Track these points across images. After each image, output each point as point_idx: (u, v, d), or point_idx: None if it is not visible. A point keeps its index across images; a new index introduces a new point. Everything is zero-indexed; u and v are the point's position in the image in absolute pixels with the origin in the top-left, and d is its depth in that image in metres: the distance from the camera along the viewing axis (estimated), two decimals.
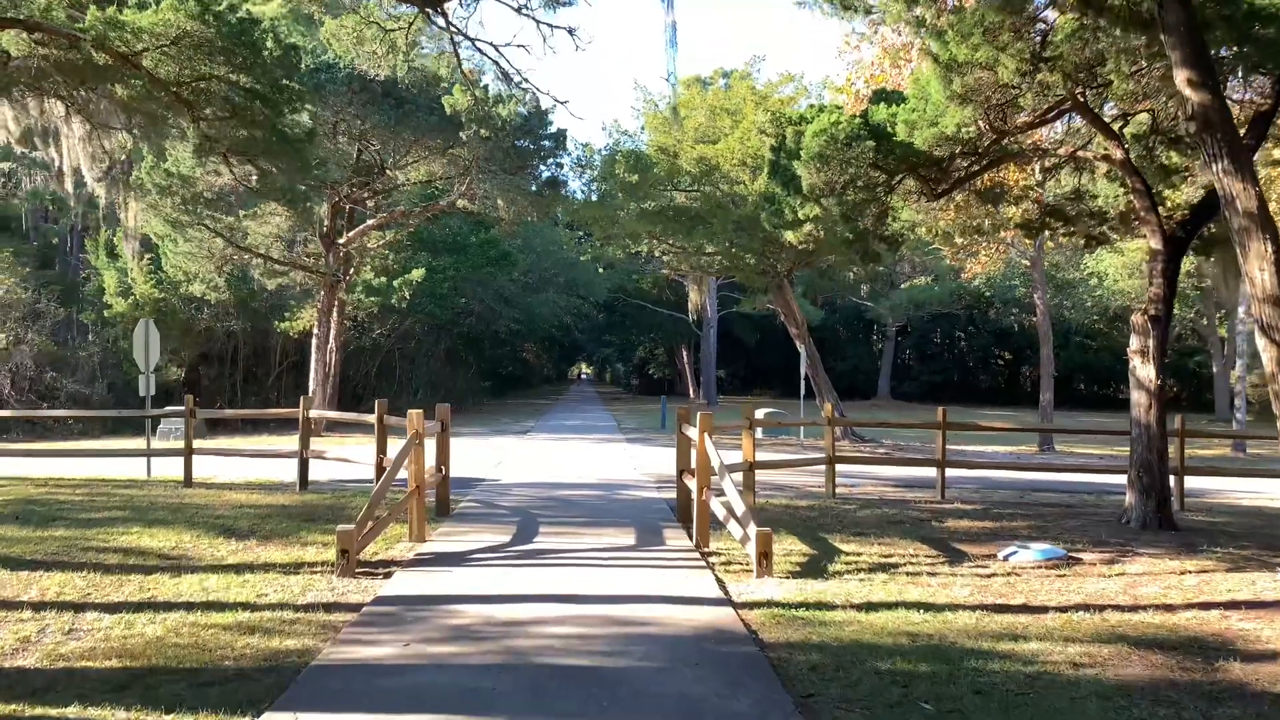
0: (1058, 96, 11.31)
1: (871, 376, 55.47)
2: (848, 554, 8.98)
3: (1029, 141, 13.41)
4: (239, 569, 7.85)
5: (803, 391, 22.13)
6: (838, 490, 13.37)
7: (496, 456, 18.26)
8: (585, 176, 23.25)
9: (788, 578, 7.74)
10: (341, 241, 23.24)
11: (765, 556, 7.66)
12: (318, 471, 14.37)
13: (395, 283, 25.07)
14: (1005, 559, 8.93)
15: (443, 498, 10.72)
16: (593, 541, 9.18)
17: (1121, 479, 15.16)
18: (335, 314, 23.97)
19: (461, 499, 12.09)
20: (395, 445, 9.93)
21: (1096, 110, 11.72)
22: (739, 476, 9.37)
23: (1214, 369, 41.85)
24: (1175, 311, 38.75)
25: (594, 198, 24.20)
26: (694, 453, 9.59)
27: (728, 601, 6.92)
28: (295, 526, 9.93)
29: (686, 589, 7.22)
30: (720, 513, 8.83)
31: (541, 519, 10.56)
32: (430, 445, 10.83)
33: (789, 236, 12.93)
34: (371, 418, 12.06)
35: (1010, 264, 37.43)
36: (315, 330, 23.39)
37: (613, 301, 51.96)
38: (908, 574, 8.06)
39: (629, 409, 40.79)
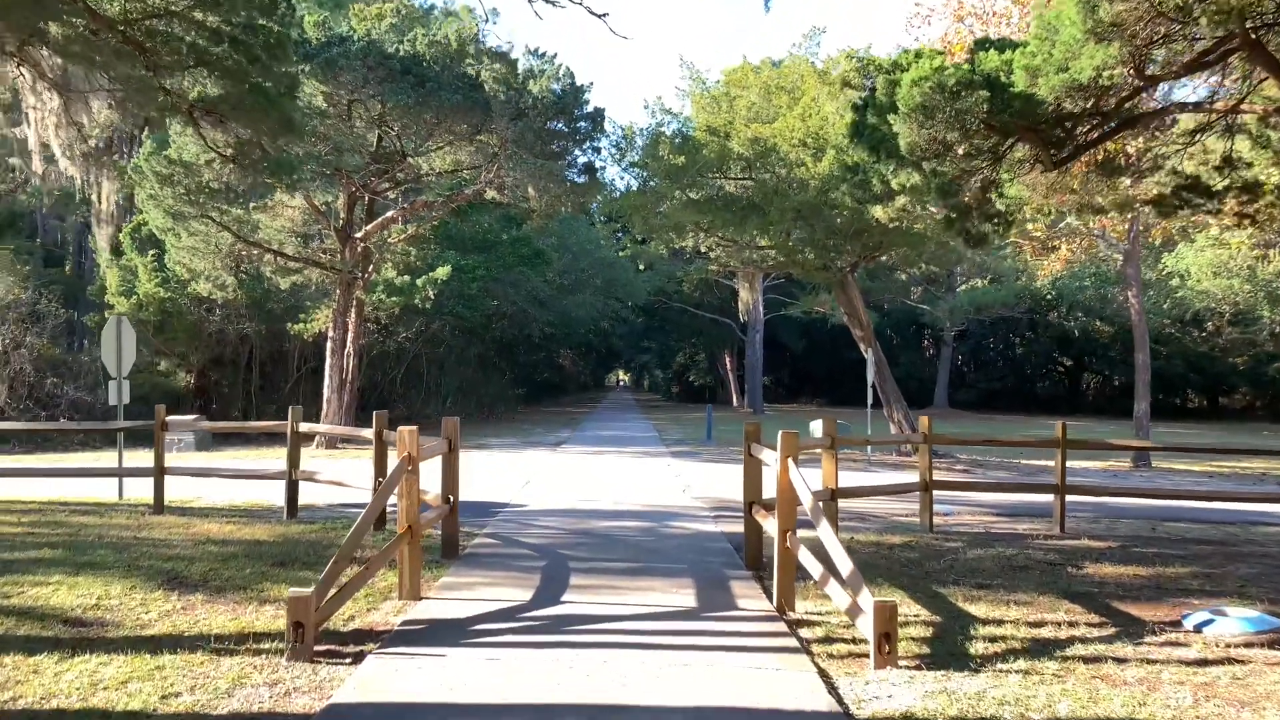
0: (1222, 32, 8.93)
1: (926, 384, 52.62)
2: (982, 620, 6.67)
3: (1175, 95, 11.02)
4: (159, 644, 5.72)
5: (869, 401, 19.74)
6: (934, 521, 11.01)
7: (525, 474, 16.09)
8: (625, 162, 21.07)
9: (918, 667, 5.46)
10: (359, 236, 21.25)
11: (888, 639, 5.38)
12: (313, 495, 12.29)
13: (419, 281, 23.04)
14: (1198, 630, 6.56)
15: (449, 535, 8.54)
16: (639, 601, 6.93)
17: (1272, 509, 12.71)
18: (354, 315, 21.98)
19: (476, 533, 9.91)
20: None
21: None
22: (818, 507, 7.09)
23: None
24: (1265, 313, 35.92)
25: (634, 186, 22.01)
26: (768, 481, 7.36)
27: (846, 717, 4.66)
28: (261, 572, 7.80)
29: (781, 692, 4.96)
30: (810, 563, 6.56)
31: (573, 563, 8.34)
32: (435, 468, 8.68)
33: (877, 213, 10.65)
34: (368, 432, 9.96)
35: (1089, 262, 34.66)
36: (331, 332, 21.41)
37: (652, 304, 49.75)
38: (1083, 659, 5.72)
39: (671, 418, 38.51)
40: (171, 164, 19.34)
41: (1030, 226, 22.78)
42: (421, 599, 6.90)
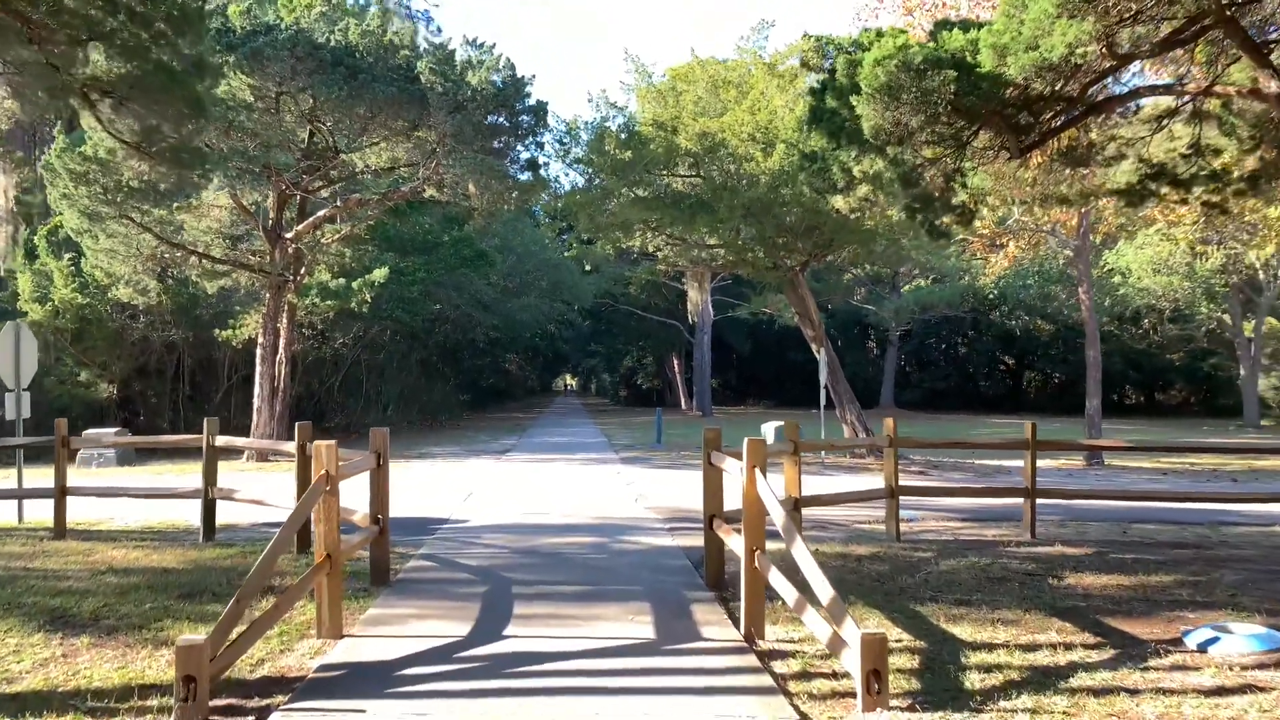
0: (1196, 8, 8.50)
1: (871, 384, 52.56)
2: (971, 644, 6.05)
3: (1148, 76, 10.62)
4: (24, 704, 4.82)
5: (823, 402, 19.22)
6: (900, 528, 10.42)
7: (468, 485, 15.23)
8: (569, 158, 20.28)
9: (912, 708, 4.80)
10: (289, 236, 20.19)
11: (877, 677, 4.70)
12: (236, 514, 11.32)
13: (355, 284, 22.00)
14: (1203, 649, 6.01)
15: (379, 559, 7.70)
16: (592, 632, 6.18)
17: (1236, 507, 12.37)
18: (285, 319, 20.89)
19: (412, 554, 9.07)
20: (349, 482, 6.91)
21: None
22: (790, 524, 6.41)
23: (1241, 371, 39.17)
24: (1204, 309, 36.30)
25: (579, 184, 21.25)
26: (729, 492, 6.68)
27: None
28: (163, 608, 6.89)
29: None
30: (782, 586, 5.88)
31: (518, 587, 7.56)
32: (361, 485, 7.85)
33: (837, 203, 10.05)
34: (291, 446, 9.08)
35: (1034, 260, 34.68)
36: (260, 338, 20.30)
37: (599, 307, 48.99)
38: (1091, 691, 5.11)
39: (619, 422, 37.78)
40: (86, 160, 18.18)
41: (986, 218, 22.52)
42: (344, 636, 6.08)
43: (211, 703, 4.72)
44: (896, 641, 6.14)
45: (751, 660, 5.59)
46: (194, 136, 9.74)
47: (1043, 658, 5.79)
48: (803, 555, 5.44)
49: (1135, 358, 51.43)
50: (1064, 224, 21.13)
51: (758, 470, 6.15)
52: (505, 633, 6.16)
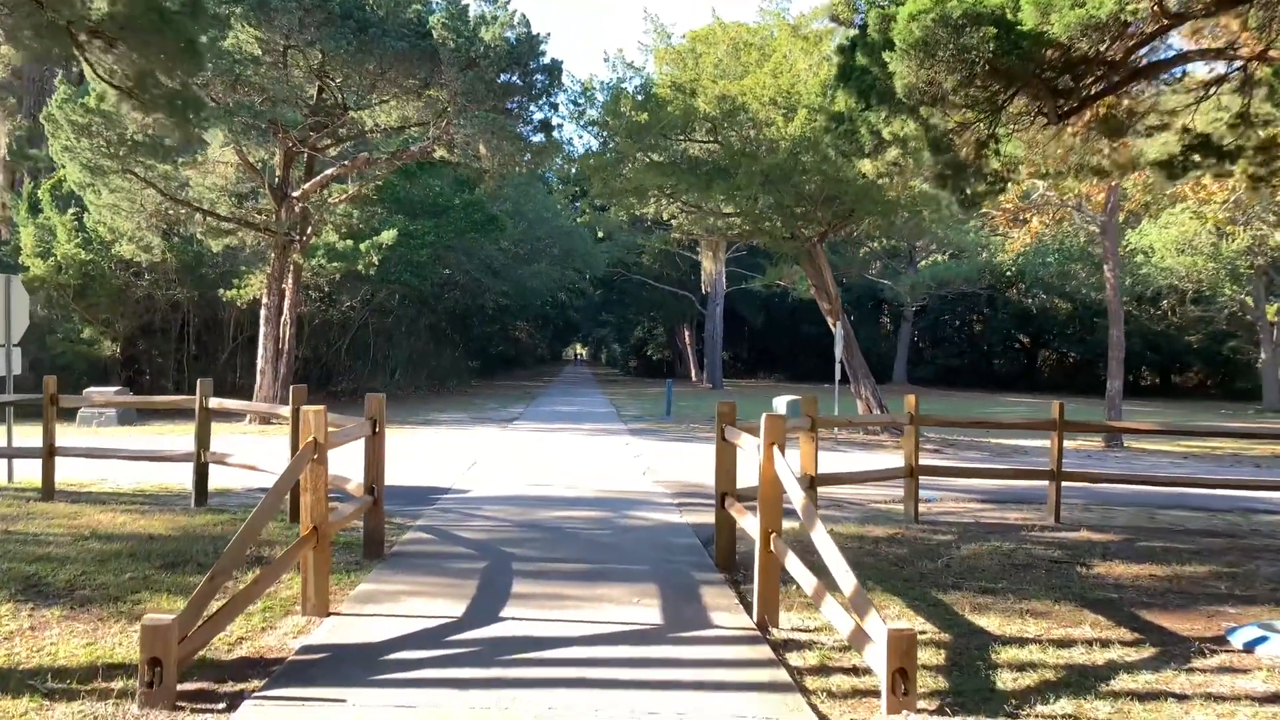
0: None
1: (884, 360, 52.01)
2: (1000, 638, 5.64)
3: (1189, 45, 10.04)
4: None
5: (837, 377, 18.77)
6: (919, 509, 9.99)
7: (472, 454, 14.88)
8: (583, 120, 19.69)
9: (941, 711, 4.40)
10: (296, 195, 19.73)
11: (904, 676, 4.30)
12: (231, 478, 10.98)
13: (363, 246, 21.59)
14: (1249, 649, 5.60)
15: (373, 531, 7.33)
16: (594, 616, 5.80)
17: (1266, 495, 11.87)
18: (291, 280, 20.48)
19: (409, 524, 8.70)
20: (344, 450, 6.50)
21: None
22: (811, 507, 5.99)
23: (1262, 355, 38.45)
24: (1228, 292, 35.60)
25: (593, 147, 20.68)
26: (743, 469, 6.27)
27: None
28: (143, 577, 6.54)
29: None
30: (799, 572, 5.47)
31: (518, 564, 7.18)
32: (355, 453, 7.48)
33: (865, 167, 9.55)
34: (286, 410, 8.70)
35: (1055, 236, 33.96)
36: (265, 299, 19.91)
37: (611, 276, 48.48)
38: (1135, 696, 4.70)
39: (629, 393, 37.39)
40: (89, 112, 17.76)
41: (1018, 187, 21.93)
42: (330, 614, 5.71)
43: (181, 686, 4.36)
44: (920, 634, 5.74)
45: (765, 651, 5.20)
46: (190, 83, 9.27)
47: (1078, 655, 5.38)
48: (823, 540, 5.02)
49: (1153, 339, 50.76)
50: (1091, 199, 20.51)
51: (776, 448, 5.73)
52: (502, 614, 5.78)
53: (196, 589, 4.64)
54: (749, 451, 6.36)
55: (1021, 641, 5.61)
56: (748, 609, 6.04)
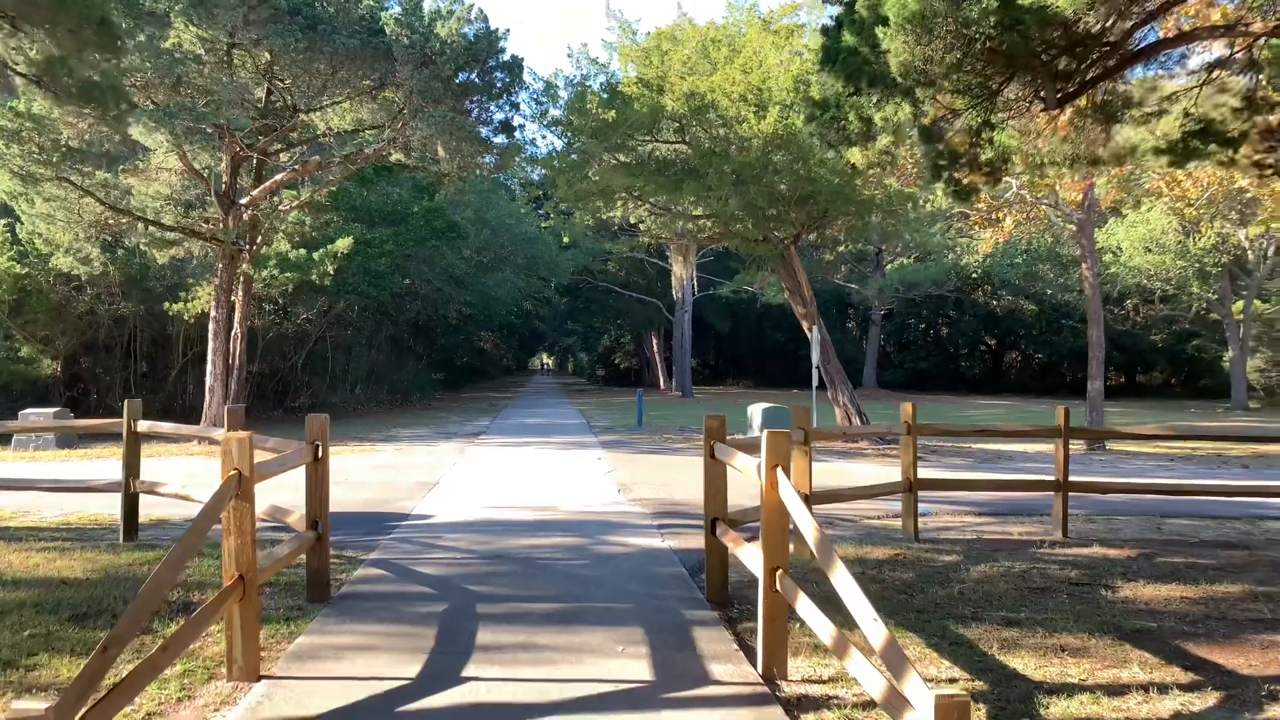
0: None
1: (853, 365, 51.49)
2: (1043, 686, 4.90)
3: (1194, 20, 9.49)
4: None
5: (814, 383, 18.08)
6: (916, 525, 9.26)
7: (435, 472, 13.98)
8: (546, 120, 18.86)
9: None
10: (244, 202, 18.71)
11: None
12: (168, 507, 10.00)
13: (316, 255, 20.58)
14: None
15: (317, 571, 6.45)
16: (573, 672, 4.98)
17: (1270, 501, 11.25)
18: (240, 292, 19.45)
19: (361, 558, 7.82)
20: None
21: None
22: (827, 542, 5.21)
23: (1230, 353, 38.44)
24: (1195, 290, 35.52)
25: (557, 149, 19.84)
26: (735, 490, 5.49)
27: None
28: (45, 634, 5.63)
29: None
30: (812, 615, 4.69)
31: (483, 604, 6.33)
32: (292, 481, 6.61)
33: (854, 156, 8.85)
34: (219, 434, 7.77)
35: (1024, 236, 33.64)
36: (213, 312, 18.84)
37: (576, 284, 47.64)
38: None
39: (597, 403, 36.55)
40: (19, 116, 16.68)
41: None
42: (261, 678, 4.84)
43: None
44: (949, 680, 4.99)
45: (777, 713, 4.41)
46: (110, 71, 8.35)
47: (1136, 705, 4.65)
48: (846, 583, 4.24)
49: (1117, 338, 50.82)
50: (1068, 197, 20.06)
51: (780, 471, 4.96)
52: (464, 673, 4.94)
53: (85, 664, 3.76)
54: (745, 472, 5.59)
55: (1068, 689, 4.87)
56: (749, 655, 5.25)
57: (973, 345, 57.84)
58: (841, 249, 43.23)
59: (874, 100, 8.15)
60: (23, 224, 18.77)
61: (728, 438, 6.39)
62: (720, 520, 6.49)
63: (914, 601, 6.74)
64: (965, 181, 9.10)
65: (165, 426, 8.91)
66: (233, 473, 4.88)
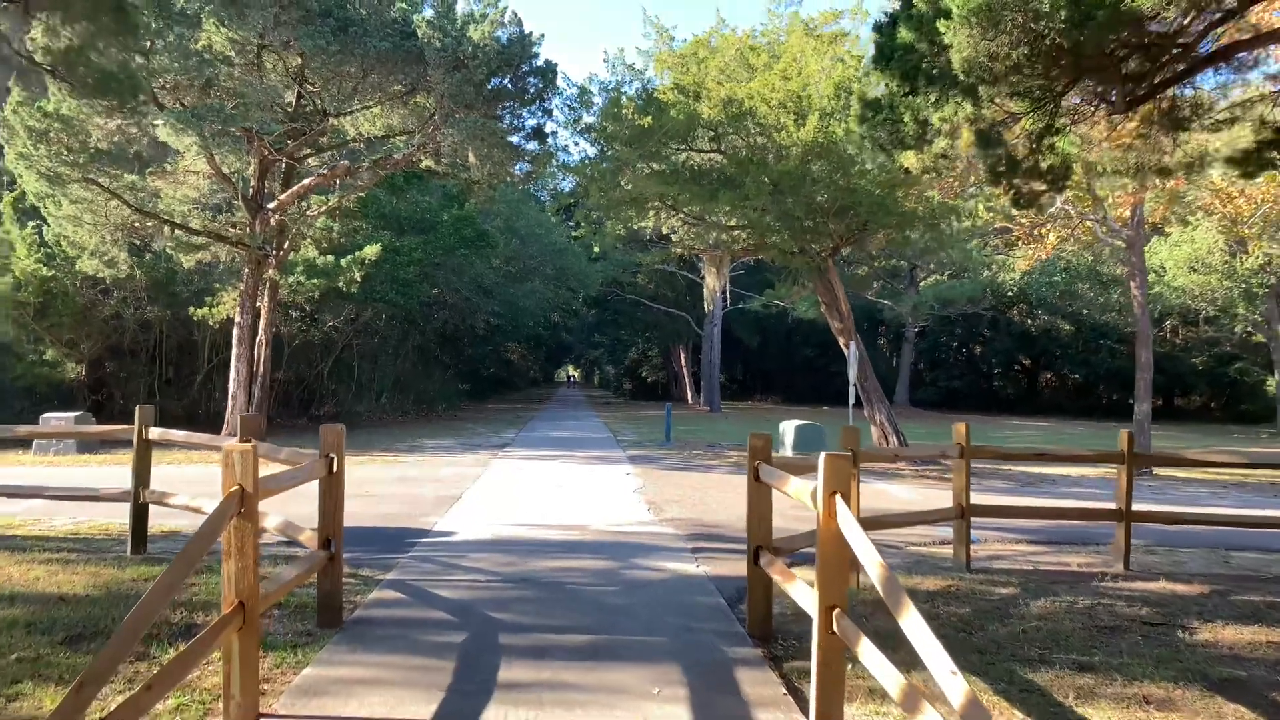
0: None
1: (886, 382, 50.60)
2: None
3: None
4: None
5: (851, 401, 17.50)
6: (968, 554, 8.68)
7: (458, 485, 13.53)
8: (579, 126, 18.46)
9: None
10: (271, 207, 18.45)
11: None
12: (185, 518, 9.61)
13: (344, 262, 20.30)
14: None
15: (329, 594, 6.00)
16: (605, 718, 4.48)
17: None
18: (266, 298, 19.18)
19: (378, 578, 7.36)
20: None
21: None
22: (894, 580, 4.67)
23: (1275, 377, 37.31)
24: (1240, 311, 34.52)
25: (589, 154, 19.44)
26: (781, 514, 4.97)
27: None
28: (34, 658, 5.21)
29: None
30: (875, 662, 4.16)
31: (506, 636, 5.85)
32: (312, 490, 6.17)
33: (908, 160, 8.34)
34: (231, 443, 7.37)
35: (1063, 254, 32.80)
36: (238, 318, 18.57)
37: (605, 296, 47.23)
38: None
39: (624, 417, 36.06)
40: (47, 117, 16.54)
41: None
42: (261, 716, 4.38)
43: None
44: None
45: None
46: (128, 61, 8.02)
47: None
48: (918, 629, 3.71)
49: (1157, 360, 49.42)
50: (1116, 213, 19.40)
51: (839, 499, 4.44)
52: (484, 716, 4.45)
53: (58, 704, 3.32)
54: (796, 497, 5.08)
55: None
56: (799, 701, 4.74)
57: (1007, 365, 56.82)
58: (875, 264, 42.62)
59: (931, 100, 7.64)
60: (49, 226, 18.61)
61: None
62: (764, 549, 5.98)
63: (973, 640, 6.19)
64: (1026, 189, 8.55)
65: (177, 434, 8.52)
66: (234, 488, 4.44)
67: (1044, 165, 8.85)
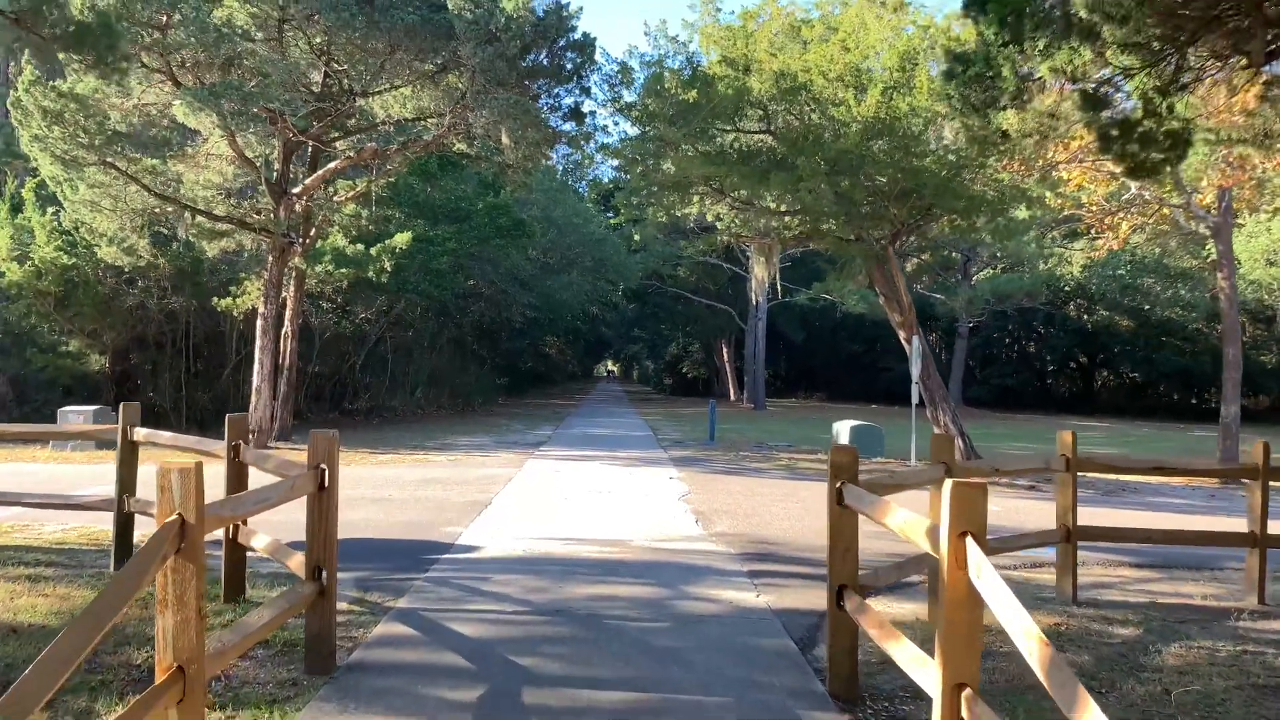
0: None
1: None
2: None
3: None
4: None
5: (914, 400, 16.24)
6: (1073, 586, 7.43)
7: (489, 489, 12.49)
8: (620, 103, 17.25)
9: None
10: (296, 191, 17.55)
11: None
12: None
13: (374, 250, 19.38)
14: None
15: (318, 635, 4.94)
16: None
17: None
18: (293, 287, 18.33)
19: (386, 607, 6.30)
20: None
21: None
22: (1058, 661, 3.51)
23: None
24: None
25: (631, 136, 18.26)
26: (867, 538, 3.83)
27: None
28: None
29: None
30: None
31: (530, 695, 4.73)
32: (292, 511, 5.12)
33: (1007, 121, 7.11)
34: (220, 446, 6.42)
35: (1148, 245, 31.01)
36: (261, 308, 17.71)
37: (645, 289, 46.07)
38: None
39: (665, 413, 34.94)
40: (61, 97, 15.77)
41: (1097, 193, 19.33)
42: None
43: None
44: None
45: None
46: (107, 12, 7.08)
47: None
48: None
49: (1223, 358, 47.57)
50: (1200, 198, 17.90)
51: (972, 542, 3.29)
52: None
53: None
54: (903, 534, 3.93)
55: None
56: None
57: (1062, 362, 54.80)
58: (926, 257, 41.03)
59: (1040, 47, 6.40)
60: (65, 212, 17.89)
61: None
62: (849, 588, 4.83)
63: (1107, 702, 4.98)
64: (1144, 158, 7.28)
65: (164, 435, 7.57)
66: (171, 518, 3.38)
67: (1163, 130, 7.57)
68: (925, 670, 3.59)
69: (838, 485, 4.85)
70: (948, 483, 3.38)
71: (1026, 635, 2.97)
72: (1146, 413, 47.43)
